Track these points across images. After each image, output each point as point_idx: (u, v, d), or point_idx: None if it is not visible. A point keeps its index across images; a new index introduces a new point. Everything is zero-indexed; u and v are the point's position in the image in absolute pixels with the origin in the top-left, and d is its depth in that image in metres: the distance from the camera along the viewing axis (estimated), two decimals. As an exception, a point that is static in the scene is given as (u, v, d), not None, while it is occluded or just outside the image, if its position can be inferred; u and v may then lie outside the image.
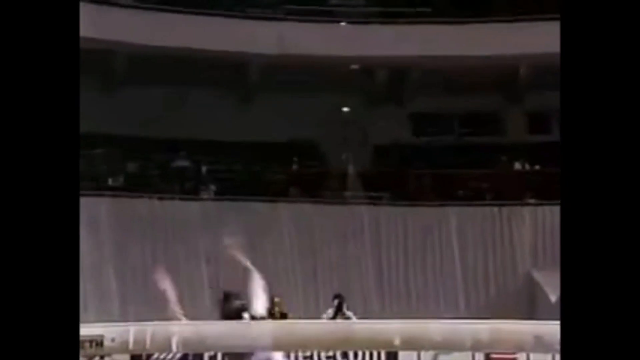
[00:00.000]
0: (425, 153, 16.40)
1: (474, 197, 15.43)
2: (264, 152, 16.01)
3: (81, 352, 5.34)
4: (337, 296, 12.52)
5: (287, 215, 15.05)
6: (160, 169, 15.97)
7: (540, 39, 13.56)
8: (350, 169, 16.17)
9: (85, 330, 5.36)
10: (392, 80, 16.45)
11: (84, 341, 5.18)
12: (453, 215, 15.03)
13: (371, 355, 11.78)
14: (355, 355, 11.80)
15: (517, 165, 16.50)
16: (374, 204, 15.48)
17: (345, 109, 16.81)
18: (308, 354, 11.68)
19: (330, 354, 11.80)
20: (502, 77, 16.11)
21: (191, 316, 12.39)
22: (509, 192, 15.27)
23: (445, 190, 15.61)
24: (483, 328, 5.11)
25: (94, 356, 5.52)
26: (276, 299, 12.65)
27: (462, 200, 15.40)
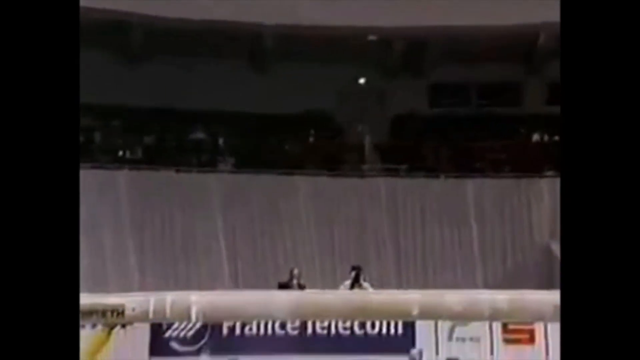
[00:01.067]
0: (442, 124, 16.31)
1: (492, 168, 15.36)
2: (280, 124, 15.99)
3: (103, 320, 5.43)
4: (354, 268, 12.56)
5: (304, 188, 15.06)
6: (178, 142, 16.01)
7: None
8: (367, 141, 16.12)
9: (107, 299, 5.43)
10: (409, 51, 16.32)
11: (106, 310, 5.26)
12: (471, 187, 14.97)
13: (388, 326, 11.82)
14: (373, 326, 11.85)
15: (536, 137, 16.37)
16: (391, 176, 15.45)
17: (362, 81, 16.73)
18: (325, 324, 11.76)
19: (348, 324, 11.86)
20: (521, 47, 15.94)
21: (210, 287, 12.54)
22: (527, 163, 15.18)
23: (463, 161, 15.54)
24: (501, 298, 5.12)
25: (116, 325, 5.61)
26: (294, 271, 12.74)
27: (479, 172, 15.33)
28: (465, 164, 15.41)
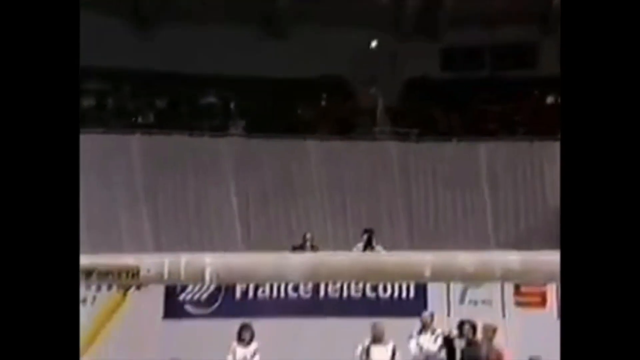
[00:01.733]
0: (455, 87, 16.20)
1: (505, 131, 15.26)
2: (292, 88, 15.94)
3: (118, 282, 5.48)
4: (366, 231, 12.62)
5: (316, 152, 15.06)
6: (190, 106, 16.02)
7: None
8: (380, 105, 16.06)
9: (122, 261, 5.47)
10: (422, 14, 16.16)
11: (121, 271, 5.31)
12: (483, 151, 14.92)
13: (400, 289, 11.89)
14: (385, 289, 11.92)
15: (550, 99, 16.25)
16: (403, 140, 15.41)
17: (374, 44, 16.61)
18: (338, 287, 11.84)
19: (360, 288, 11.94)
20: (537, 7, 15.74)
21: (222, 249, 12.61)
22: (541, 126, 15.07)
23: (476, 125, 15.47)
24: (514, 259, 5.12)
25: (131, 286, 5.66)
26: (307, 235, 12.81)
27: (492, 135, 15.26)
28: (478, 127, 15.33)
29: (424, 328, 9.82)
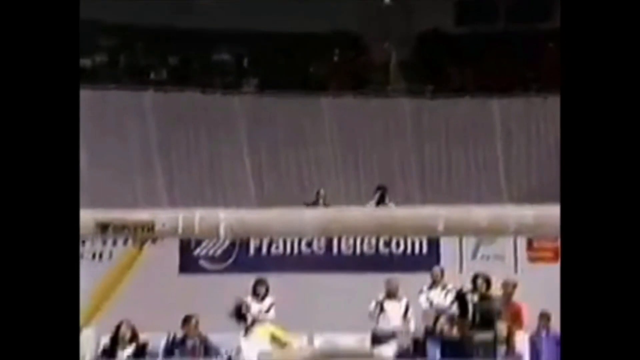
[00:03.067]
0: (469, 42, 16.01)
1: (519, 87, 15.12)
2: (305, 44, 15.83)
3: (134, 235, 5.52)
4: (379, 188, 12.64)
5: (329, 109, 15.02)
6: (202, 63, 15.96)
7: None
8: (393, 60, 15.93)
9: (137, 215, 5.52)
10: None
11: (137, 226, 5.35)
12: (497, 107, 14.82)
13: (413, 245, 11.95)
14: (398, 245, 11.99)
15: (565, 55, 16.02)
16: (416, 96, 15.32)
17: (387, -1, 16.43)
18: (351, 243, 11.92)
19: (373, 244, 12.01)
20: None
21: (235, 206, 12.69)
22: (555, 82, 14.89)
23: (489, 80, 15.32)
24: (527, 213, 5.11)
25: (146, 240, 5.71)
26: (321, 192, 12.85)
27: (506, 91, 15.13)
28: (491, 83, 15.19)
29: (434, 283, 9.87)
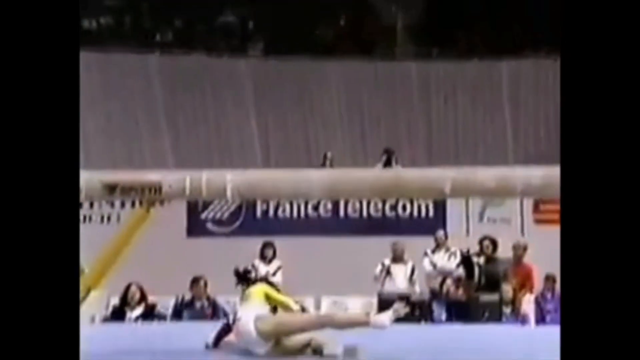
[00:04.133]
0: (477, 4, 15.82)
1: (528, 49, 14.98)
2: (311, 7, 15.68)
3: (141, 197, 5.53)
4: (386, 151, 12.61)
5: (335, 72, 14.93)
6: (208, 25, 15.84)
7: None
8: (399, 24, 15.79)
9: (144, 177, 5.52)
10: None
11: (144, 187, 5.35)
12: (505, 69, 14.70)
13: (419, 208, 11.95)
14: (404, 208, 11.99)
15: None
16: (424, 59, 15.20)
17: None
18: (357, 206, 11.93)
19: (379, 207, 12.02)
20: None
21: (242, 166, 12.67)
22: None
23: (498, 41, 15.16)
24: (535, 174, 5.10)
25: (154, 202, 5.72)
26: (328, 155, 12.83)
27: (515, 52, 14.99)
28: (499, 44, 15.04)
29: (438, 246, 9.88)
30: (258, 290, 5.19)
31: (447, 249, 9.84)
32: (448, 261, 9.71)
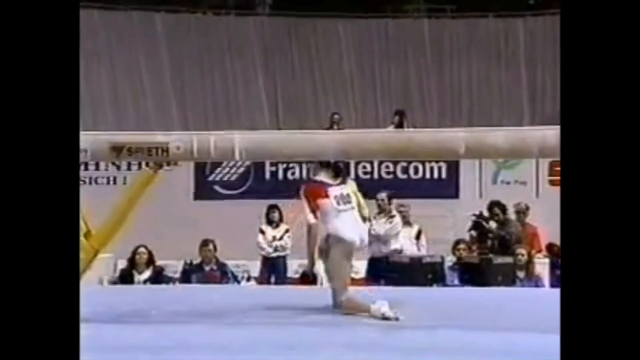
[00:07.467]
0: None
1: (544, 5, 14.62)
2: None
3: (148, 158, 5.41)
4: (398, 112, 12.41)
5: (345, 30, 14.66)
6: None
7: None
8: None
9: (152, 138, 5.39)
10: None
11: (151, 148, 5.23)
12: (521, 26, 14.39)
13: (432, 170, 11.79)
14: (416, 171, 11.83)
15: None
16: (437, 16, 14.89)
17: None
18: (369, 169, 11.77)
19: (391, 169, 11.86)
20: None
21: (250, 127, 12.49)
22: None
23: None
24: (550, 133, 4.91)
25: (161, 164, 5.59)
26: (335, 116, 12.64)
27: (530, 9, 14.66)
28: (515, 2, 14.69)
29: (380, 212, 8.90)
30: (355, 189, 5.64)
31: (388, 213, 8.91)
32: (384, 225, 8.83)
